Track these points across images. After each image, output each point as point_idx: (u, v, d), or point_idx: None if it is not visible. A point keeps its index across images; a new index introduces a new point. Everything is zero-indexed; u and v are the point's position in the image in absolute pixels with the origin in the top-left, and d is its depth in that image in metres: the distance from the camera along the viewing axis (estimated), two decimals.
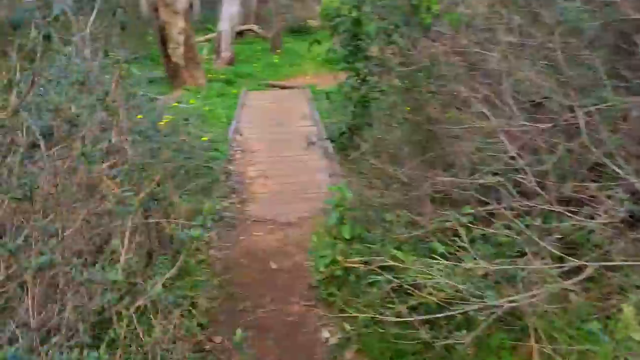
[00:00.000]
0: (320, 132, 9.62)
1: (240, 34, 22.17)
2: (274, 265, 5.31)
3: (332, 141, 7.94)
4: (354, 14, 7.55)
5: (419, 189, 4.01)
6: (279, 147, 9.12)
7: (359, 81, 7.80)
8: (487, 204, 3.63)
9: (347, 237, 3.96)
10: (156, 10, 13.33)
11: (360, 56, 7.78)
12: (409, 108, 4.49)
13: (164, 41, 13.61)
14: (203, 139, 7.78)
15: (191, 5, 28.22)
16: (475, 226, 3.50)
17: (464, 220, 3.56)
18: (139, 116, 7.80)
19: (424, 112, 4.15)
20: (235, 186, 7.28)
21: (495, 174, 3.68)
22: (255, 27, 22.31)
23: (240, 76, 15.57)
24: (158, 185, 5.12)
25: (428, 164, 4.14)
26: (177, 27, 13.36)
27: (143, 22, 19.43)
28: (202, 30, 22.04)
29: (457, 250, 3.48)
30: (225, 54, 16.50)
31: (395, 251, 3.72)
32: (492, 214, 3.57)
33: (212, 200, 6.30)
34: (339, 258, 4.02)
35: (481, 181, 3.72)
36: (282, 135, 9.94)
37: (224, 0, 16.49)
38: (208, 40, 19.12)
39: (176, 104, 10.09)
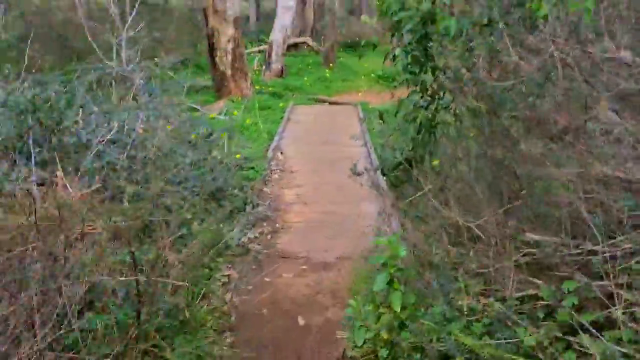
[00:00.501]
0: (371, 157, 8.55)
1: (294, 46, 21.48)
2: (301, 321, 4.22)
3: (384, 174, 6.40)
4: (425, 4, 5.27)
5: (499, 249, 2.91)
6: (323, 170, 8.10)
7: (425, 99, 5.73)
8: (599, 277, 2.52)
9: (397, 309, 2.88)
10: (206, 16, 12.65)
11: (430, 65, 5.51)
12: (486, 138, 3.40)
13: (212, 49, 12.92)
14: (237, 156, 6.87)
15: (248, 17, 27.96)
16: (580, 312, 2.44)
17: (567, 303, 2.48)
18: (168, 126, 7.07)
19: (511, 145, 3.05)
20: (267, 212, 6.29)
21: (611, 237, 2.58)
22: (309, 40, 21.56)
23: (289, 89, 14.71)
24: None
25: (513, 215, 3.03)
26: (226, 34, 12.64)
27: (198, 28, 18.96)
28: (256, 42, 21.50)
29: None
30: (276, 65, 15.72)
31: (461, 335, 2.65)
32: (610, 295, 2.45)
33: (237, 229, 5.37)
34: (384, 335, 2.95)
35: (591, 247, 2.63)
36: (327, 155, 8.93)
37: (278, 11, 15.76)
38: (260, 52, 18.51)
39: (213, 115, 9.24)
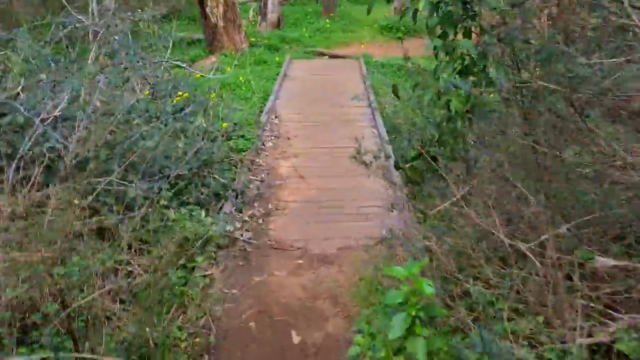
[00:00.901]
0: (376, 120, 7.61)
1: None
2: (296, 338, 3.43)
3: (398, 167, 4.58)
4: None
5: (555, 273, 2.11)
6: (321, 136, 7.20)
7: (459, 71, 3.88)
8: None
9: (422, 358, 2.09)
10: None
11: (468, 25, 3.74)
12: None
13: (201, 1, 11.81)
14: (223, 125, 5.97)
15: None
16: None
17: None
18: (147, 92, 6.13)
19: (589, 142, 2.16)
20: (259, 189, 5.46)
21: None
22: None
23: (287, 41, 13.61)
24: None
25: (574, 228, 2.19)
26: None
27: None
28: None
29: None
30: (272, 15, 14.56)
31: None
32: None
33: (220, 217, 4.53)
34: None
35: None
36: (326, 118, 8.00)
37: None
38: (256, 1, 17.28)
39: (198, 76, 8.26)
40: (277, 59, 11.68)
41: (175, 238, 3.69)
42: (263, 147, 6.56)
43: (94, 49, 6.46)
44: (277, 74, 10.61)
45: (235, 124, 6.53)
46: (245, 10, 17.10)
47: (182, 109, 5.71)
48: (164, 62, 7.27)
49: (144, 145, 4.04)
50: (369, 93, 9.11)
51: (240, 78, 9.96)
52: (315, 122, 7.77)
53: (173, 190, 4.34)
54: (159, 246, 3.53)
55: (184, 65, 8.23)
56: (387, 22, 15.62)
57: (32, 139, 3.45)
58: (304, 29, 14.82)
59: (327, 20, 15.67)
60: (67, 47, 7.11)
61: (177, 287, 3.60)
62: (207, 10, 11.82)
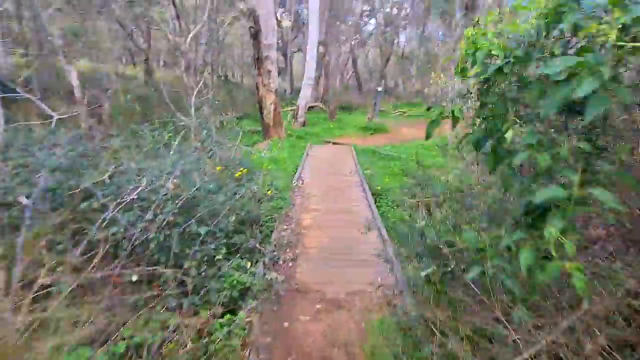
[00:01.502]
0: (364, 186, 6.88)
1: (312, 107, 19.88)
2: None
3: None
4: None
5: None
6: (332, 195, 6.44)
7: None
8: None
9: None
10: (257, 88, 11.03)
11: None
12: None
13: (260, 108, 11.31)
14: (268, 192, 5.23)
15: (285, 90, 26.41)
16: None
17: None
18: (219, 168, 5.40)
19: None
20: (290, 238, 4.56)
21: None
22: (320, 104, 19.92)
23: (309, 134, 13.06)
24: None
25: None
26: (270, 99, 11.02)
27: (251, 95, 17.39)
28: (290, 104, 19.90)
29: None
30: (300, 119, 14.12)
31: None
32: None
33: (261, 270, 3.59)
34: None
35: None
36: (334, 184, 7.29)
37: (303, 86, 14.08)
38: (292, 110, 16.91)
39: (255, 156, 7.58)
40: (303, 144, 11.08)
41: (222, 294, 2.81)
42: (293, 204, 5.79)
43: (191, 138, 5.82)
44: (303, 153, 9.99)
45: (277, 189, 5.78)
46: (285, 115, 16.71)
47: (241, 178, 5.00)
48: (235, 146, 6.60)
49: (211, 205, 3.24)
50: (358, 168, 8.42)
51: (281, 156, 9.31)
52: (328, 186, 7.02)
53: (225, 243, 3.44)
54: (207, 307, 2.65)
55: (248, 148, 7.56)
56: (364, 124, 15.16)
57: (102, 224, 2.55)
58: (319, 128, 14.30)
59: (331, 123, 15.21)
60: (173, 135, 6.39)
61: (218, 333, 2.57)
62: (264, 115, 11.30)
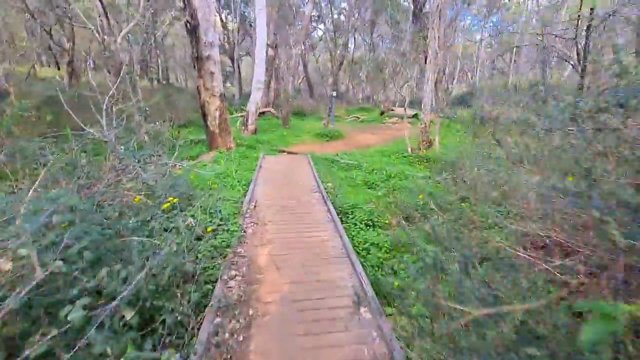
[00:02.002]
0: (327, 203, 5.86)
1: (263, 113, 18.59)
2: None
3: None
4: None
5: None
6: (291, 220, 5.29)
7: None
8: None
9: None
10: (199, 92, 9.57)
11: None
12: None
13: (204, 115, 9.85)
14: (208, 230, 3.94)
15: (234, 95, 24.75)
16: None
17: None
18: (137, 199, 4.01)
19: None
20: (240, 288, 3.37)
21: None
22: (272, 110, 18.71)
23: (261, 142, 11.77)
24: None
25: None
26: (214, 105, 9.62)
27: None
28: (240, 110, 18.40)
29: None
30: (251, 126, 12.75)
31: None
32: None
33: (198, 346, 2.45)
34: None
35: None
36: (292, 203, 6.17)
37: (252, 90, 12.76)
38: (241, 117, 15.48)
39: (198, 167, 6.24)
40: (255, 154, 9.81)
41: None
42: (244, 234, 4.58)
43: (105, 156, 4.37)
44: (255, 165, 8.77)
45: (221, 219, 4.53)
46: (234, 122, 15.24)
47: (173, 208, 3.70)
48: (168, 164, 5.22)
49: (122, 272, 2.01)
50: (318, 181, 7.40)
51: (229, 170, 8.01)
52: (285, 207, 5.85)
53: (139, 314, 2.29)
54: None
55: (185, 164, 6.18)
56: (319, 131, 14.26)
57: None
58: (271, 135, 13.07)
59: (285, 130, 14.06)
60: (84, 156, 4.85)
61: None
62: (208, 122, 9.85)
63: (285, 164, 9.30)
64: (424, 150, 10.62)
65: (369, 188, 7.80)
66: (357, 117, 20.44)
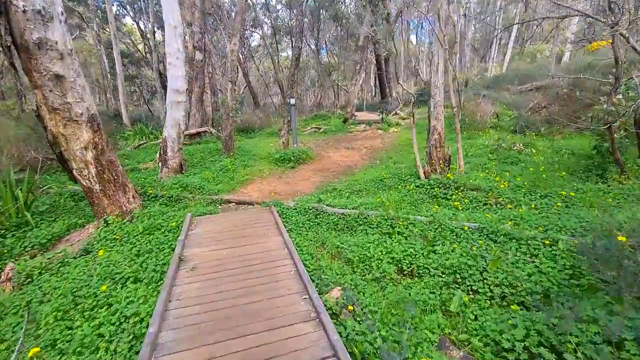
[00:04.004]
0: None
1: (197, 134, 13.64)
2: None
3: None
4: None
5: None
6: None
7: None
8: None
9: None
10: (41, 118, 4.66)
11: None
12: None
13: (62, 159, 4.95)
14: None
15: (143, 116, 19.22)
16: None
17: None
18: None
19: None
20: None
21: None
22: (211, 129, 13.83)
23: (189, 189, 7.00)
24: None
25: None
26: (79, 140, 4.79)
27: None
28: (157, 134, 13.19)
29: None
30: (173, 162, 7.90)
31: None
32: None
33: None
34: None
35: None
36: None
37: (167, 107, 7.95)
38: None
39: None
40: (173, 223, 5.09)
41: None
42: None
43: None
44: (172, 250, 4.15)
45: None
46: (153, 154, 10.18)
47: None
48: None
49: None
50: (309, 287, 3.04)
51: (103, 288, 3.33)
52: None
53: None
54: None
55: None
56: (278, 154, 9.86)
57: None
58: (207, 172, 8.30)
59: (228, 160, 9.36)
60: None
61: None
62: (75, 173, 4.98)
63: (232, 234, 4.78)
64: (445, 172, 6.78)
65: (409, 277, 3.69)
66: (317, 127, 16.34)
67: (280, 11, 26.77)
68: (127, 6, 24.92)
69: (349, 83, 18.97)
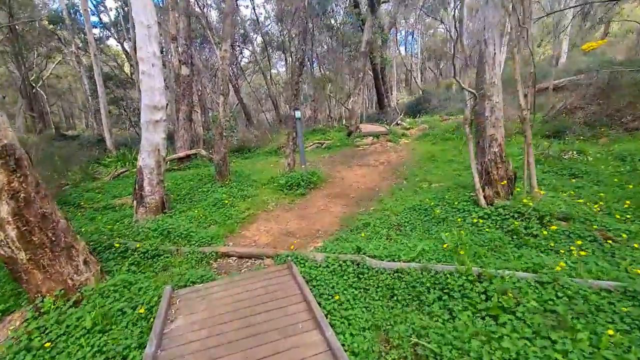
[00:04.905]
0: None
1: (187, 157, 11.78)
2: None
3: None
4: None
5: None
6: None
7: None
8: None
9: None
10: None
11: None
12: None
13: None
14: None
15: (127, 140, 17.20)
16: None
17: None
18: None
19: None
20: None
21: None
22: (202, 152, 11.97)
23: (172, 237, 5.07)
24: None
25: None
26: None
27: None
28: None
29: None
30: (151, 198, 5.98)
31: None
32: None
33: None
34: None
35: None
36: None
37: (142, 129, 6.11)
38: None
39: None
40: (142, 309, 3.22)
41: None
42: None
43: None
44: None
45: None
46: (130, 187, 8.25)
47: None
48: None
49: None
50: None
51: None
52: None
53: None
54: None
55: None
56: (285, 178, 8.05)
57: None
58: (197, 211, 6.36)
59: (223, 189, 7.47)
60: None
61: None
62: None
63: (237, 330, 2.89)
64: (509, 196, 5.04)
65: None
66: (320, 142, 14.65)
67: (270, 26, 25.51)
68: (111, 28, 23.39)
69: (351, 93, 17.43)
